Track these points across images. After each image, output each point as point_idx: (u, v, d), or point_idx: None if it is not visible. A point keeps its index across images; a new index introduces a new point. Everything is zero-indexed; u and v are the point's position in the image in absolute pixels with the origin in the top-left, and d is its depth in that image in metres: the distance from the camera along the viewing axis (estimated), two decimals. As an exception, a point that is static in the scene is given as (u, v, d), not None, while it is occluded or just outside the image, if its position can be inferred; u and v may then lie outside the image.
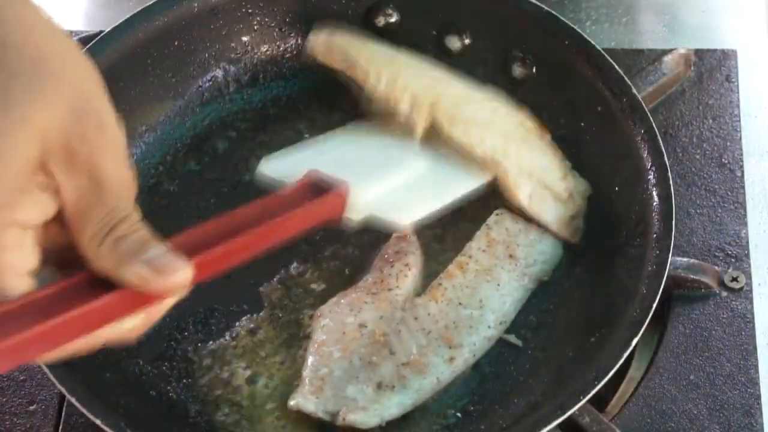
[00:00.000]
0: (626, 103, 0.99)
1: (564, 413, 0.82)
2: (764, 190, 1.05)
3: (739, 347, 0.93)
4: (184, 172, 1.06)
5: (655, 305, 0.86)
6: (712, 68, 1.11)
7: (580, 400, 0.82)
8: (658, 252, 0.90)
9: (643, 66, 1.10)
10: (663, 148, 0.95)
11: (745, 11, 1.20)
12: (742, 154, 1.05)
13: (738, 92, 1.10)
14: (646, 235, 0.92)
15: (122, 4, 1.21)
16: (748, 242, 0.99)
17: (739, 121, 1.08)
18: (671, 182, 0.93)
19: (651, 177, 0.94)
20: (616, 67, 1.01)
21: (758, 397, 0.91)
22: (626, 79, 1.00)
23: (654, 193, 0.94)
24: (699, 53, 1.12)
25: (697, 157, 1.06)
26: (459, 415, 0.90)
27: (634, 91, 0.99)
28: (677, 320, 0.95)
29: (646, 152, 0.96)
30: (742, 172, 1.04)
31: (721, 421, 0.89)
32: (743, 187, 1.03)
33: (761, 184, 1.05)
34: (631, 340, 0.85)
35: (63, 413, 0.93)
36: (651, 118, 0.97)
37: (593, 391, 0.82)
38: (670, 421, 0.90)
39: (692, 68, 1.11)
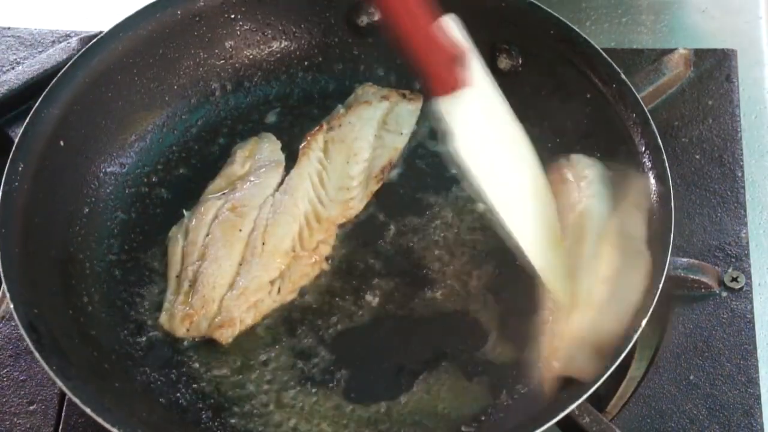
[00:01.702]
0: (616, 89, 1.09)
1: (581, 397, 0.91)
2: (764, 190, 1.15)
3: (739, 347, 1.02)
4: (176, 179, 1.17)
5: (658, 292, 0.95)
6: (712, 68, 1.21)
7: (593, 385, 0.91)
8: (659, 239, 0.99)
9: (643, 66, 1.21)
10: (655, 129, 1.04)
11: (745, 11, 1.30)
12: (742, 155, 1.15)
13: (738, 92, 1.20)
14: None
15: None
16: (748, 242, 1.09)
17: (739, 121, 1.18)
18: (666, 164, 1.02)
19: (646, 160, 1.04)
20: (604, 54, 1.10)
21: (758, 397, 1.00)
22: (614, 65, 1.09)
23: (650, 174, 1.03)
24: (699, 53, 1.22)
25: (697, 157, 1.16)
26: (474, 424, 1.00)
27: (623, 76, 1.08)
28: (677, 320, 1.04)
29: (640, 137, 1.05)
30: (742, 172, 1.14)
31: (721, 421, 0.99)
32: (743, 187, 1.12)
33: (761, 184, 1.15)
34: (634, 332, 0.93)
35: (63, 413, 1.02)
36: (642, 102, 1.07)
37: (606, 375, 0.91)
38: (670, 421, 0.99)
39: (692, 68, 1.21)
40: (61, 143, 1.09)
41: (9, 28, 1.31)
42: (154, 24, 1.17)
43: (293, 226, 1.11)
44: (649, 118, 1.06)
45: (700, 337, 1.04)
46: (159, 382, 1.03)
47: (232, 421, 1.01)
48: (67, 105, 1.10)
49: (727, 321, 1.05)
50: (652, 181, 1.03)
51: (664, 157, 1.04)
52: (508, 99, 1.16)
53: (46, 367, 0.92)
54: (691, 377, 1.02)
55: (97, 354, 1.02)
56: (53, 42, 1.28)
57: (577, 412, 0.95)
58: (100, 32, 1.16)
